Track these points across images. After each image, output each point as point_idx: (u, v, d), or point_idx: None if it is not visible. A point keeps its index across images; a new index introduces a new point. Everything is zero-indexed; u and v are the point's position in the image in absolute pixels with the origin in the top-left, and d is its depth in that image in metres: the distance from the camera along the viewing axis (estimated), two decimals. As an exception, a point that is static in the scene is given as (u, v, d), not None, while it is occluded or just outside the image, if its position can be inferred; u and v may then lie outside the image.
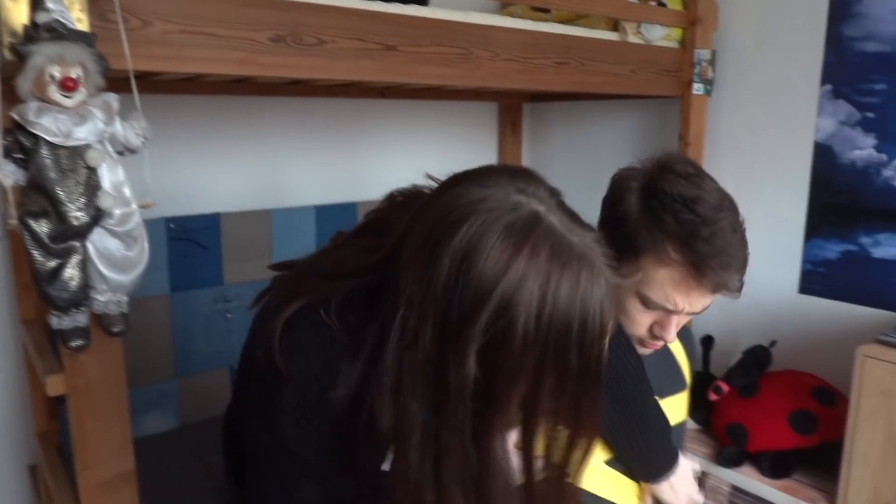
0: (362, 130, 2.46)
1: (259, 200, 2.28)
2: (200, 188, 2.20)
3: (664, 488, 1.07)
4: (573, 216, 0.71)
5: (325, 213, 2.31)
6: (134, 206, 1.02)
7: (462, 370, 0.65)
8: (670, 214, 0.93)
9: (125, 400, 1.15)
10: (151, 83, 1.82)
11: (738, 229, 0.97)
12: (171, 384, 2.14)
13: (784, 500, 1.77)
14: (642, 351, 1.06)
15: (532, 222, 0.66)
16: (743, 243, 0.98)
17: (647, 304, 0.99)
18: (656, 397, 1.09)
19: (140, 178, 1.07)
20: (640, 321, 1.01)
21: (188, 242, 2.11)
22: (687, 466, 1.10)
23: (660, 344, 1.05)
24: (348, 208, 2.36)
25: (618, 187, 1.01)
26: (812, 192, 2.02)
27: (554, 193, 0.72)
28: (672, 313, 0.99)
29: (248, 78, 1.74)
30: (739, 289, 0.98)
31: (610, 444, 1.04)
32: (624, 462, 1.06)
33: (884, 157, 1.87)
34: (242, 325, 2.25)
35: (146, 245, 1.05)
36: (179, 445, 2.06)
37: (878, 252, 1.91)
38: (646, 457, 1.05)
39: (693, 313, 1.00)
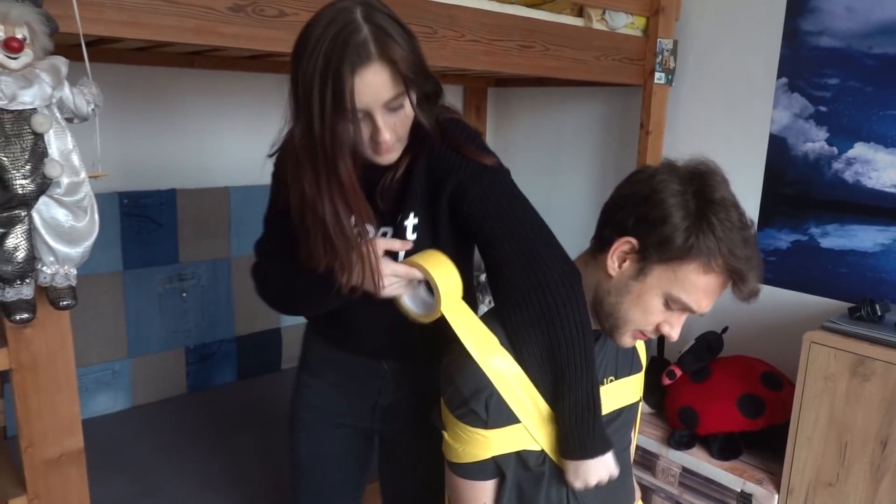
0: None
1: (217, 177, 2.23)
2: (156, 163, 2.14)
3: (568, 466, 1.01)
4: (388, 18, 0.92)
5: (285, 192, 2.28)
6: (83, 175, 0.98)
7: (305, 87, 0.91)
8: (719, 222, 0.92)
9: (73, 376, 1.11)
10: (106, 51, 1.77)
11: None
12: (123, 364, 2.09)
13: (732, 480, 1.83)
14: (630, 343, 1.04)
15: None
16: None
17: (670, 304, 0.98)
18: (612, 377, 1.10)
19: (91, 147, 1.03)
20: (654, 319, 1.00)
21: (142, 219, 2.05)
22: (603, 463, 1.02)
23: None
24: (309, 188, 2.33)
25: (655, 185, 0.96)
26: (766, 183, 2.08)
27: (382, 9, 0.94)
28: (689, 313, 0.99)
29: (207, 49, 1.70)
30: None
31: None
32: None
33: (834, 150, 1.93)
34: (198, 304, 2.22)
35: (96, 217, 1.01)
36: (131, 426, 2.02)
37: (826, 242, 1.97)
38: (563, 431, 1.00)
39: (702, 314, 1.00)
